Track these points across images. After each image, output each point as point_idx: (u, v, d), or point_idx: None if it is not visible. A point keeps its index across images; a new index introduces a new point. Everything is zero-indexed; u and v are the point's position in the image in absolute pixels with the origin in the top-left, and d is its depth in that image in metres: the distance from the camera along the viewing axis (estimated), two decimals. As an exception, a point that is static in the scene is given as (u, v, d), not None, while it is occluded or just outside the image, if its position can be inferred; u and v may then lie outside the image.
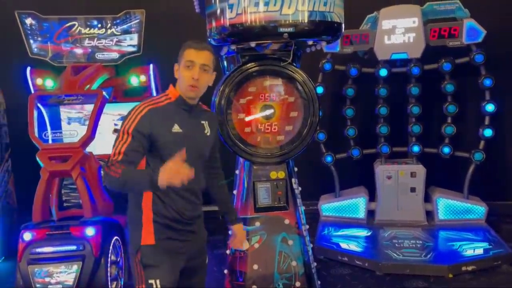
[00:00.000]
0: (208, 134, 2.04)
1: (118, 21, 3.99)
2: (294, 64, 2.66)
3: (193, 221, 2.00)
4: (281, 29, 2.13)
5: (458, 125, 4.31)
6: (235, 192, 2.88)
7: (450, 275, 3.48)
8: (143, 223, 1.91)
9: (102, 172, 1.54)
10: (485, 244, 3.84)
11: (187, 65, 1.87)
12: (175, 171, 1.62)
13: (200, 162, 2.01)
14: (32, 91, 3.85)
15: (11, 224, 4.26)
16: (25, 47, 3.93)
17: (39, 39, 3.89)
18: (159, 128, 1.85)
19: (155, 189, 1.67)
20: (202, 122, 2.03)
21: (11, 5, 4.28)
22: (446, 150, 4.33)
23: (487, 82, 4.13)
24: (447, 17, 4.21)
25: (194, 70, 1.87)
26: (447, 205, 4.36)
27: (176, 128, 1.89)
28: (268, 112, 2.70)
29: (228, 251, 2.85)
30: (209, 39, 2.43)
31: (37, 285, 2.85)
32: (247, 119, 2.70)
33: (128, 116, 1.86)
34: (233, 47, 2.45)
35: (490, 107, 4.16)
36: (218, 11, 2.24)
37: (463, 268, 3.53)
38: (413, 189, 4.39)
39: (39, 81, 3.91)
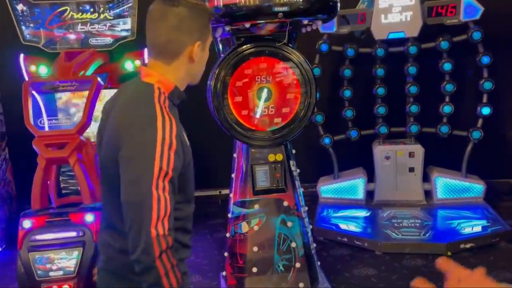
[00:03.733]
0: None
1: (110, 5, 3.92)
2: (290, 45, 2.62)
3: None
4: (276, 9, 2.10)
5: (456, 104, 4.29)
6: (233, 175, 2.88)
7: (449, 253, 3.50)
8: None
9: (142, 261, 1.20)
10: (483, 222, 3.86)
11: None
12: None
13: None
14: (26, 79, 3.81)
15: (10, 213, 4.27)
16: (17, 33, 3.87)
17: (31, 25, 3.82)
18: (184, 146, 1.30)
19: None
20: None
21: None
22: (444, 129, 4.31)
23: (485, 59, 4.09)
24: (445, -5, 4.15)
25: None
26: (445, 184, 4.37)
27: (186, 137, 1.35)
28: (265, 95, 2.67)
29: (228, 234, 2.86)
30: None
31: (39, 272, 2.86)
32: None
33: (154, 141, 1.21)
34: (228, 28, 2.42)
35: (488, 85, 4.14)
36: (212, -8, 2.20)
37: (462, 246, 3.55)
38: (411, 169, 4.39)
39: (32, 68, 3.85)
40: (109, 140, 1.33)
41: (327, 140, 4.52)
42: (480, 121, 4.23)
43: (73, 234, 2.93)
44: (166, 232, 1.19)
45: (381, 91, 4.39)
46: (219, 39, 2.78)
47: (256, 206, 2.74)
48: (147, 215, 1.17)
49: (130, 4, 3.92)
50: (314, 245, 2.93)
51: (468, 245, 3.56)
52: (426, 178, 4.46)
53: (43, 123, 3.57)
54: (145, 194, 1.18)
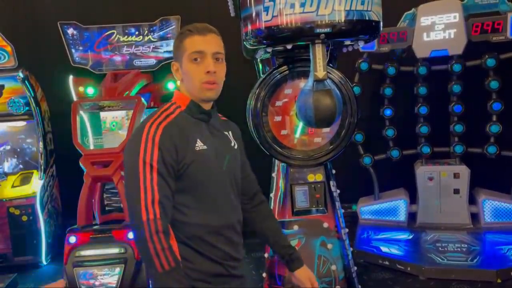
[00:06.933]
0: (236, 148, 1.63)
1: (154, 28, 4.07)
2: (331, 65, 2.61)
3: (240, 263, 1.59)
4: (318, 30, 2.09)
5: (504, 123, 4.12)
6: (271, 195, 2.86)
7: (499, 280, 3.32)
8: None
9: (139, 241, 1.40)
10: (536, 248, 3.64)
11: (194, 58, 1.46)
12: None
13: (237, 187, 1.61)
14: (74, 99, 3.99)
15: (56, 228, 4.42)
16: (67, 56, 4.08)
17: (80, 48, 4.02)
18: (183, 149, 1.42)
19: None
20: (226, 132, 1.62)
21: (54, 16, 4.45)
22: (492, 149, 4.14)
23: (535, 77, 3.93)
24: (490, 11, 4.04)
25: (206, 61, 1.46)
26: (494, 207, 4.17)
27: (199, 145, 1.46)
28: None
29: (266, 255, 2.83)
30: (244, 43, 2.43)
31: (82, 287, 2.94)
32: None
33: (139, 144, 1.40)
34: (269, 49, 2.44)
35: (538, 104, 3.96)
36: (254, 14, 2.24)
37: (513, 273, 3.36)
38: (456, 191, 4.22)
39: (80, 88, 4.04)
40: None
41: (367, 160, 4.44)
42: (530, 141, 4.04)
43: (116, 250, 3.00)
44: (157, 216, 1.35)
45: (423, 110, 4.29)
46: (259, 59, 2.81)
47: (296, 227, 2.70)
48: (137, 203, 1.36)
49: (173, 27, 4.05)
50: (355, 268, 2.85)
51: (520, 273, 3.36)
52: (472, 200, 4.28)
53: (89, 142, 3.72)
54: (134, 186, 1.38)
